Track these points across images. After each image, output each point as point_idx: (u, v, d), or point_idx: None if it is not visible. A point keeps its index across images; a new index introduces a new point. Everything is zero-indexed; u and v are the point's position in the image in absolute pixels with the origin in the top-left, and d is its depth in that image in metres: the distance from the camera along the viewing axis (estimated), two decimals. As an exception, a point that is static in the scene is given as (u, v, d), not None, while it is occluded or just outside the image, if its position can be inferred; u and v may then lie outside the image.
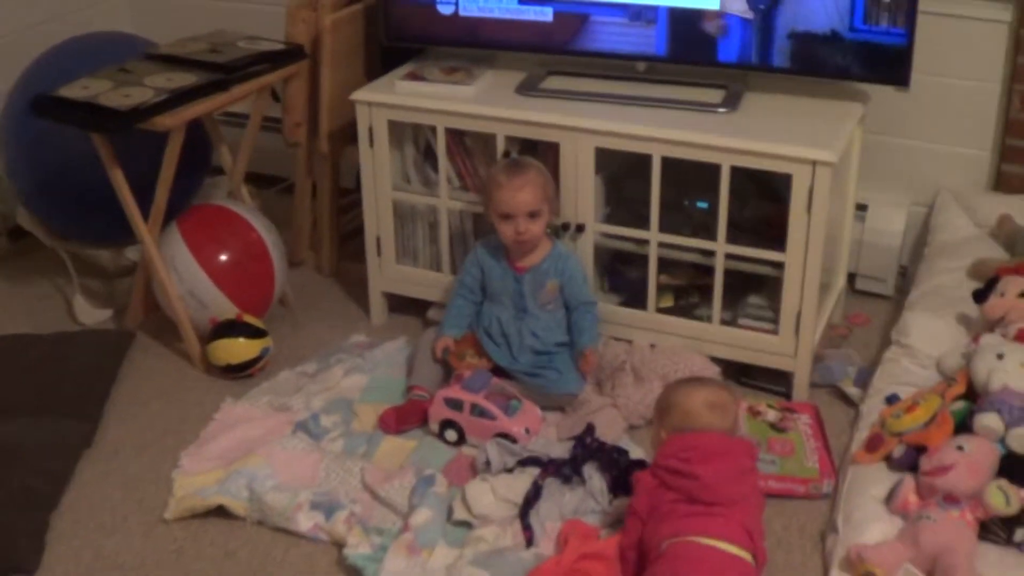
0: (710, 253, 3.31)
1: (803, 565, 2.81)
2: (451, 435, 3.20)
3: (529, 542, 2.80)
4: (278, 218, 3.89)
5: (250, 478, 2.97)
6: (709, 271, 3.38)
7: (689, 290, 3.49)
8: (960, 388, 2.97)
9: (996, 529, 2.71)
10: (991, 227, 3.61)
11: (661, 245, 3.35)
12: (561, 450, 3.09)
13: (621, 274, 3.56)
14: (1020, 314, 3.10)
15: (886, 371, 3.26)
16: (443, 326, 3.41)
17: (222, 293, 3.50)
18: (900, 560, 2.67)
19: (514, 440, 3.13)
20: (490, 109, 3.39)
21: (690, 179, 3.35)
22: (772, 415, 3.22)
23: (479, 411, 3.16)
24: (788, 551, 2.84)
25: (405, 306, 3.81)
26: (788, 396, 3.38)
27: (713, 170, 3.20)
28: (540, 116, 3.33)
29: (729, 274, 3.34)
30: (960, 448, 2.78)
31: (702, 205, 3.37)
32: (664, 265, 3.42)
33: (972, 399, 2.94)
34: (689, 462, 2.64)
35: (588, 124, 3.29)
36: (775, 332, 3.31)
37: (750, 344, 3.35)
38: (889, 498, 2.82)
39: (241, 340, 3.44)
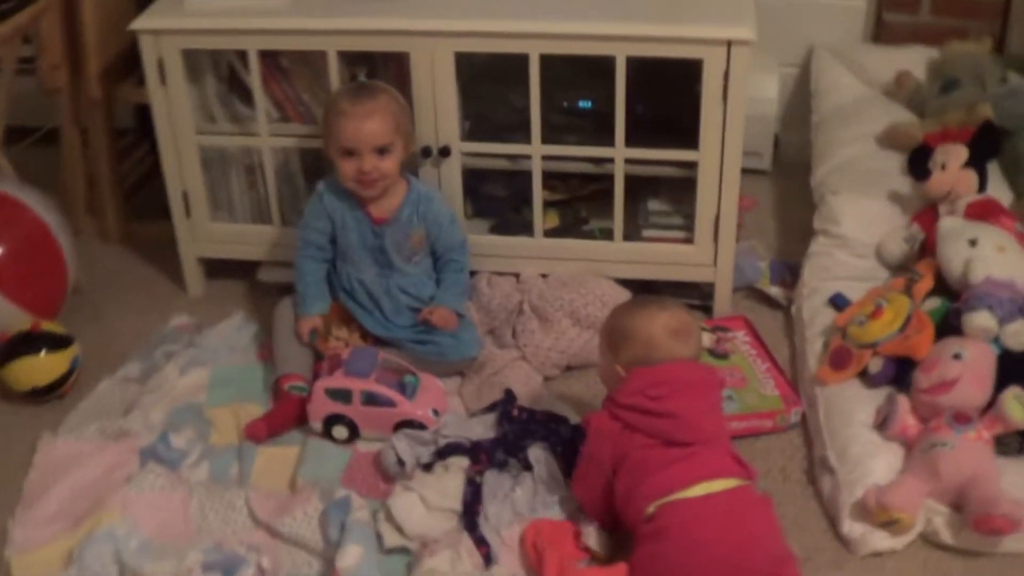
0: (602, 160, 2.81)
1: (800, 516, 2.40)
2: (340, 432, 2.59)
3: (487, 559, 2.27)
4: (42, 181, 3.07)
5: (111, 542, 2.27)
6: (597, 180, 2.88)
7: (574, 205, 2.98)
8: (928, 283, 2.61)
9: (1009, 440, 2.40)
10: (884, 85, 3.25)
11: (544, 158, 2.80)
12: (482, 428, 2.54)
13: (490, 196, 3.00)
14: (967, 186, 2.76)
15: (816, 266, 2.88)
16: (301, 302, 2.77)
17: (6, 299, 2.72)
18: (921, 498, 2.32)
19: (422, 426, 2.58)
20: (315, 21, 2.70)
21: (563, 75, 2.80)
22: (705, 338, 2.78)
23: (372, 398, 2.57)
24: (778, 502, 2.38)
25: (226, 269, 3.12)
26: (707, 310, 2.96)
27: (594, 64, 2.67)
28: (381, 22, 2.67)
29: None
30: (958, 356, 2.42)
31: (585, 105, 2.84)
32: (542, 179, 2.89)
33: (944, 294, 2.60)
34: (661, 399, 2.20)
35: (444, 25, 2.66)
36: (690, 241, 2.85)
37: (660, 258, 2.88)
38: (882, 424, 2.45)
39: (43, 355, 2.67)
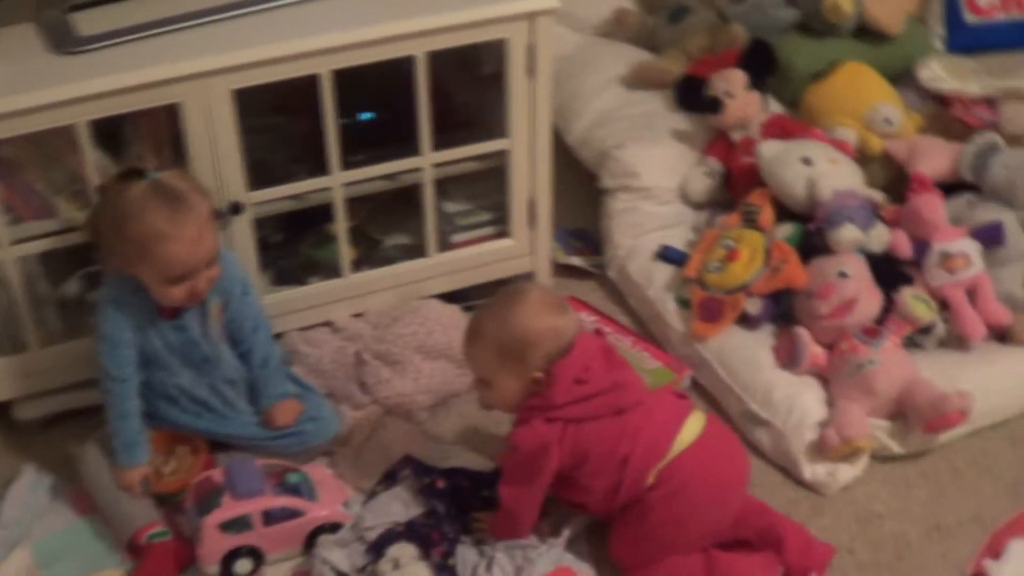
0: (399, 173, 2.50)
1: (752, 478, 2.26)
2: (244, 567, 2.13)
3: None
4: None
5: None
6: (371, 197, 2.58)
7: (362, 229, 2.64)
8: (770, 212, 2.58)
9: (916, 337, 2.46)
10: (597, 27, 3.15)
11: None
12: (400, 505, 2.22)
13: (276, 247, 2.58)
14: (755, 108, 2.76)
15: (625, 223, 2.78)
16: (125, 451, 2.22)
17: None
18: (867, 419, 2.33)
19: (336, 527, 2.19)
20: (53, 92, 2.13)
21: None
22: (558, 330, 2.60)
23: (274, 515, 2.15)
24: None
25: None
26: (527, 301, 2.75)
27: (364, 72, 2.35)
28: (139, 74, 2.16)
29: (403, 191, 2.56)
30: (844, 275, 2.44)
31: (366, 117, 2.50)
32: (328, 211, 2.53)
33: (784, 218, 2.60)
34: (594, 377, 2.06)
35: (218, 62, 2.21)
36: (504, 234, 2.64)
37: (474, 261, 2.64)
38: (790, 361, 2.42)
39: None
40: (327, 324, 2.57)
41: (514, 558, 2.13)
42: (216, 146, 2.28)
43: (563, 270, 2.82)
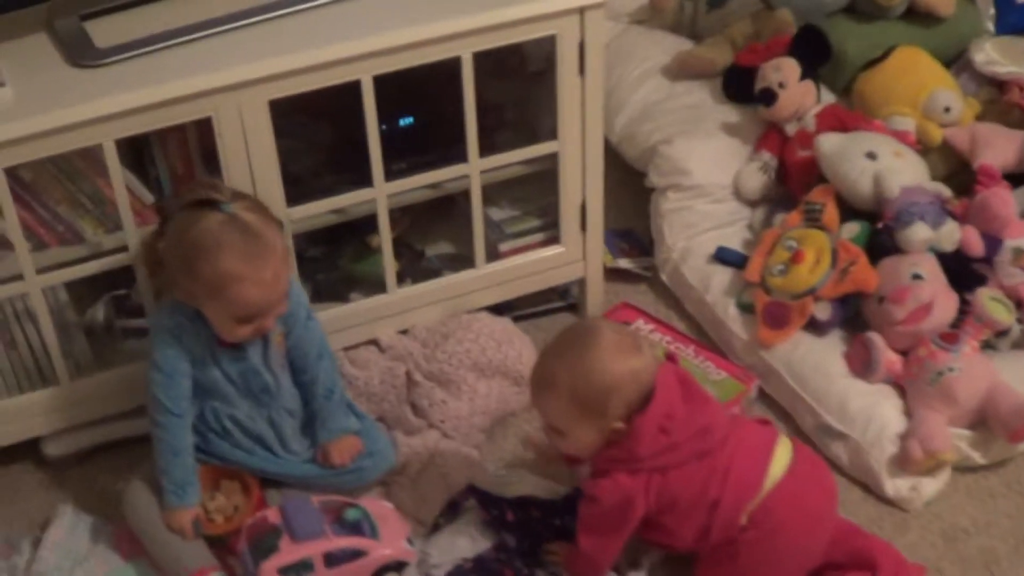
0: (444, 181, 2.36)
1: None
2: (307, 611, 2.04)
3: None
4: None
5: None
6: (426, 204, 2.43)
7: (404, 240, 2.49)
8: (834, 210, 2.45)
9: (993, 341, 2.35)
10: (633, 14, 3.00)
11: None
12: (467, 540, 2.10)
13: (313, 261, 2.43)
14: (811, 98, 2.63)
15: (677, 223, 2.64)
16: (176, 491, 2.08)
17: None
18: (948, 430, 2.22)
19: (401, 565, 2.07)
20: (70, 111, 1.97)
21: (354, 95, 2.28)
22: (614, 341, 2.47)
23: (337, 557, 2.02)
24: None
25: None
26: (577, 309, 2.62)
27: (403, 74, 2.20)
28: (168, 88, 2.00)
29: (444, 198, 2.43)
30: (918, 277, 2.32)
31: (406, 123, 2.35)
32: (368, 222, 2.39)
33: (852, 217, 2.47)
34: (679, 425, 1.90)
35: (254, 72, 2.05)
36: (554, 240, 2.49)
37: (524, 270, 2.49)
38: (865, 369, 2.30)
39: None
40: (372, 343, 2.44)
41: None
42: (252, 161, 2.13)
43: (611, 274, 2.68)
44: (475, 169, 2.33)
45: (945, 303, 2.31)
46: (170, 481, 2.09)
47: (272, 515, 2.07)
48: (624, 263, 2.70)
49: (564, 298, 2.63)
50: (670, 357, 2.01)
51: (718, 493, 1.91)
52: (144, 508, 2.11)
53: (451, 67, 2.23)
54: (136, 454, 2.32)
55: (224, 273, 1.95)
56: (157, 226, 2.08)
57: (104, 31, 2.16)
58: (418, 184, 2.33)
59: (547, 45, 2.30)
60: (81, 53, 2.10)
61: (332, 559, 2.02)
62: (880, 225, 2.40)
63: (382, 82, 2.18)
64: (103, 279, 2.26)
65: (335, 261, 2.46)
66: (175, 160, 2.21)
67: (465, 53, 2.19)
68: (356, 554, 2.03)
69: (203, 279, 1.97)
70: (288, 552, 2.00)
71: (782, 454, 1.96)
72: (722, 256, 2.57)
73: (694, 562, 2.02)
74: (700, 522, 1.94)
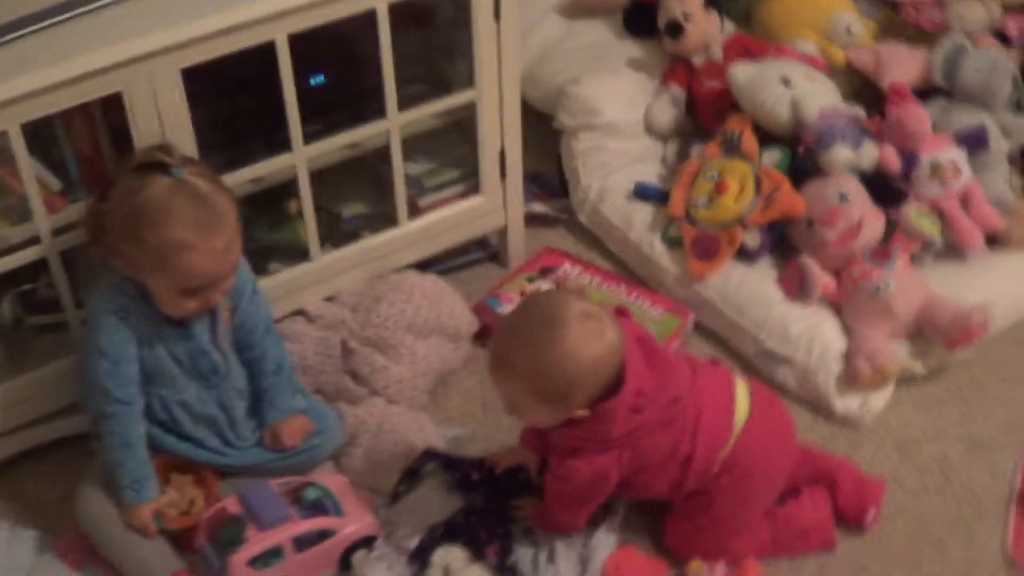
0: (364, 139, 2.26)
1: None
2: (278, 599, 1.95)
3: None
4: None
5: None
6: (338, 166, 2.33)
7: (320, 206, 2.36)
8: (752, 138, 2.45)
9: (920, 254, 2.37)
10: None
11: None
12: (432, 506, 2.04)
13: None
14: (715, 28, 2.61)
15: (592, 163, 2.61)
16: (133, 486, 1.95)
17: None
18: (891, 344, 2.25)
19: (370, 540, 1.99)
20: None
21: (269, 58, 2.13)
22: (545, 287, 2.41)
23: (306, 540, 1.94)
24: None
25: None
26: (496, 260, 2.57)
27: (313, 33, 2.08)
28: (73, 65, 1.84)
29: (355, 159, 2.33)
30: (845, 198, 2.33)
31: (318, 81, 2.23)
32: (282, 189, 2.27)
33: (768, 143, 2.46)
34: (650, 403, 1.83)
35: (163, 40, 1.91)
36: (474, 190, 2.43)
37: (446, 223, 2.42)
38: (800, 292, 2.32)
39: None
40: (298, 314, 2.34)
41: (574, 545, 1.98)
42: (166, 135, 1.98)
43: (526, 220, 2.60)
44: (395, 124, 2.24)
45: (873, 221, 2.34)
46: (125, 476, 1.96)
47: (231, 505, 1.97)
48: (538, 207, 2.65)
49: (484, 248, 2.58)
50: (620, 312, 1.95)
51: (689, 449, 1.89)
52: (99, 513, 1.98)
53: (360, 22, 2.13)
54: (62, 457, 2.20)
55: (172, 241, 1.82)
56: (99, 191, 1.92)
57: (-12, 7, 2.00)
58: (338, 145, 2.22)
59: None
60: (-30, 34, 1.94)
61: (301, 543, 1.94)
62: (801, 149, 2.41)
63: (292, 42, 2.08)
64: (4, 276, 2.11)
65: (251, 232, 2.32)
66: (82, 141, 2.05)
67: (381, 5, 2.10)
68: (324, 534, 1.96)
69: (149, 247, 1.84)
70: (256, 542, 1.91)
71: (742, 398, 1.94)
72: (641, 192, 2.55)
73: (668, 508, 2.01)
74: (673, 477, 1.92)
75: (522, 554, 1.97)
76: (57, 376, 2.13)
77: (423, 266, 2.46)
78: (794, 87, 2.43)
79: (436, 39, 2.39)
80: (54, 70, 1.86)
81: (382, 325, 2.28)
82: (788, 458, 2.01)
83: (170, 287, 1.88)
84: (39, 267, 2.09)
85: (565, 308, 1.81)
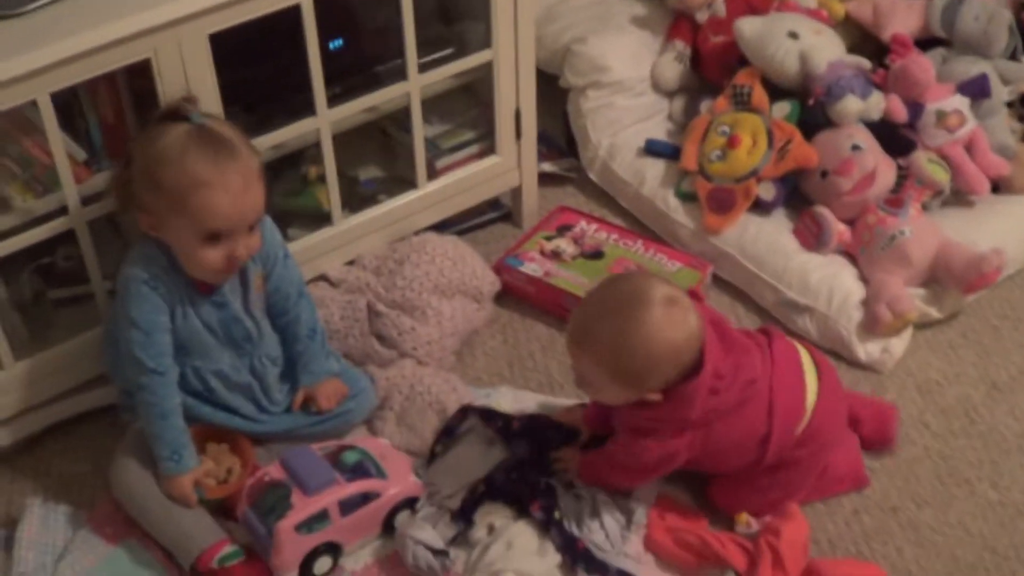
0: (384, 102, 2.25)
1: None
2: (324, 565, 1.93)
3: None
4: None
5: None
6: (354, 130, 2.32)
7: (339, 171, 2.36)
8: (762, 91, 2.47)
9: (930, 202, 2.43)
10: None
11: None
12: (472, 466, 2.04)
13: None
14: (719, -23, 2.62)
15: (601, 121, 2.63)
16: (173, 456, 1.93)
17: None
18: (907, 290, 2.29)
19: (413, 501, 2.00)
20: (11, 65, 1.77)
21: (285, 22, 2.11)
22: (564, 245, 2.43)
23: (351, 503, 1.93)
24: None
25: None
26: (508, 219, 2.58)
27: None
28: (103, 32, 1.82)
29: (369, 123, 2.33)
30: (857, 148, 2.36)
31: (336, 45, 2.21)
32: (295, 156, 2.27)
33: (777, 96, 2.48)
34: (728, 385, 1.84)
35: (190, 5, 1.88)
36: (490, 151, 2.43)
37: (463, 185, 2.43)
38: (818, 241, 2.35)
39: None
40: (319, 279, 2.33)
41: (616, 497, 2.00)
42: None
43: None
44: (415, 86, 2.24)
45: (885, 170, 2.37)
46: (164, 447, 1.94)
47: (274, 471, 1.96)
48: (547, 167, 2.66)
49: (496, 209, 2.59)
50: (693, 295, 1.93)
51: (766, 428, 1.90)
52: (137, 484, 1.96)
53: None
54: (87, 431, 2.19)
55: (189, 179, 1.81)
56: (124, 157, 1.90)
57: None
58: (359, 108, 2.22)
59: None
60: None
61: (346, 506, 1.93)
62: (811, 101, 2.44)
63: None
64: (25, 250, 2.07)
65: (270, 198, 2.30)
66: (106, 109, 2.02)
67: (404, -36, 2.10)
68: (368, 497, 1.96)
69: (167, 191, 1.82)
70: (303, 507, 1.89)
71: (810, 371, 1.96)
72: (652, 148, 2.57)
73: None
74: (751, 456, 1.93)
75: (565, 508, 1.98)
76: (80, 349, 2.11)
77: (439, 228, 2.47)
78: (802, 40, 2.45)
79: (449, 2, 2.38)
80: (84, 37, 1.84)
81: (407, 287, 2.28)
82: (844, 416, 2.05)
83: (191, 235, 1.85)
84: (56, 241, 2.06)
85: (651, 290, 1.82)
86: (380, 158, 2.46)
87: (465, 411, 2.13)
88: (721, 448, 1.91)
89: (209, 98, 1.99)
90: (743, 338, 1.92)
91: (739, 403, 1.86)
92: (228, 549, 1.92)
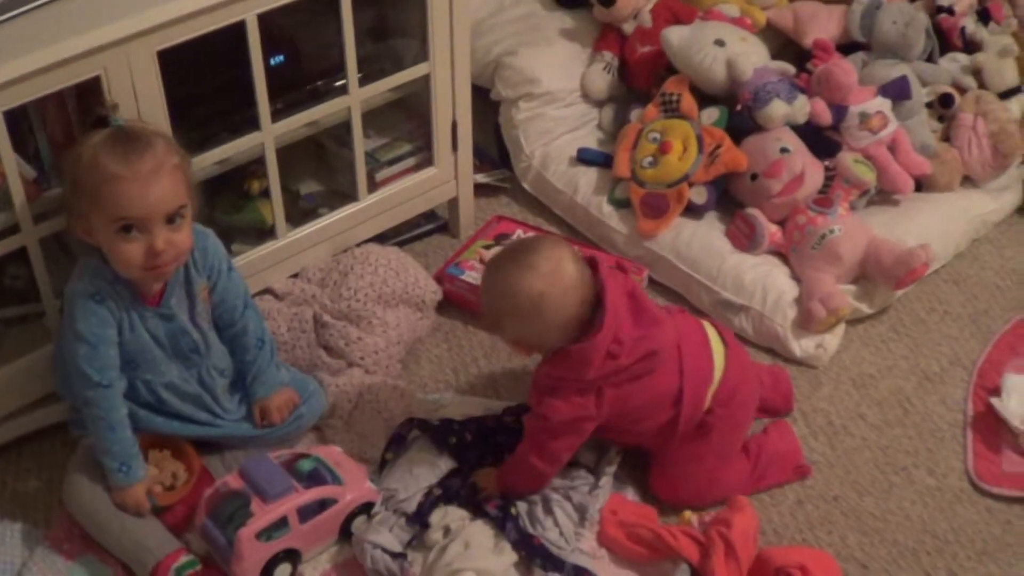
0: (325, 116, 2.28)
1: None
2: (284, 572, 1.94)
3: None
4: None
5: None
6: (293, 145, 2.33)
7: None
8: (689, 99, 2.54)
9: (856, 202, 2.51)
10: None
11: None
12: (425, 469, 2.06)
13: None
14: (642, -7, 2.69)
15: (532, 130, 2.69)
16: (122, 468, 1.94)
17: None
18: (840, 287, 2.37)
19: (368, 507, 2.02)
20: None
21: (223, 42, 2.13)
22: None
23: (309, 510, 1.95)
24: None
25: None
26: (449, 228, 2.62)
27: (272, 12, 2.08)
28: (55, 50, 1.82)
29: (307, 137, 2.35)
30: (785, 150, 2.44)
31: (277, 61, 2.22)
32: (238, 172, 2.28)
33: (705, 102, 2.56)
34: (626, 351, 1.91)
35: (139, 23, 1.89)
36: (429, 163, 2.47)
37: (401, 196, 2.46)
38: (750, 243, 2.42)
39: None
40: (266, 292, 2.35)
41: (571, 496, 2.04)
42: (143, 117, 1.97)
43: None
44: (355, 100, 2.28)
45: (813, 171, 2.46)
46: (113, 459, 1.95)
47: (232, 481, 1.97)
48: (481, 178, 2.70)
49: (431, 220, 2.63)
50: (619, 266, 2.03)
51: (677, 387, 1.97)
52: (90, 499, 1.97)
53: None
54: (39, 448, 2.18)
55: (101, 175, 1.84)
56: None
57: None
58: (302, 122, 2.24)
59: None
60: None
61: (304, 513, 1.95)
62: (739, 107, 2.52)
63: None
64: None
65: (211, 214, 2.33)
66: (55, 128, 2.02)
67: (343, -16, 2.13)
68: (325, 503, 1.98)
69: (84, 187, 1.86)
70: (263, 515, 1.91)
71: (713, 335, 2.05)
72: (584, 157, 2.63)
73: (653, 459, 2.09)
74: (665, 418, 2.00)
75: (520, 506, 2.02)
76: (29, 368, 2.10)
77: (379, 240, 2.49)
78: (728, 47, 2.53)
79: (382, 17, 2.41)
80: (36, 56, 1.85)
81: (352, 298, 2.31)
82: (757, 382, 2.14)
83: (108, 228, 1.87)
84: (3, 259, 2.06)
85: (539, 241, 1.97)
86: (318, 172, 2.48)
87: (410, 422, 2.14)
88: (635, 408, 1.98)
89: (157, 114, 2.01)
90: (658, 311, 2.00)
91: (641, 372, 1.94)
92: (185, 559, 1.94)
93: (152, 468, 2.04)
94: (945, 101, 2.65)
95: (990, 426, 2.22)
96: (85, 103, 1.99)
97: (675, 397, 1.98)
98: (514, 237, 2.52)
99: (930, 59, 2.72)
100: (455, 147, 2.47)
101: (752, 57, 2.52)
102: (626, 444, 2.10)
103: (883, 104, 2.54)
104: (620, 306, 1.92)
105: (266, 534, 1.93)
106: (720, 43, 2.53)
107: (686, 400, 1.98)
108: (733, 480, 2.08)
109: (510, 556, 1.95)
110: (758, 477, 2.12)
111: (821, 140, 2.50)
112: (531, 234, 2.49)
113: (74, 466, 2.01)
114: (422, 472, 2.08)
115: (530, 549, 1.95)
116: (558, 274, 1.89)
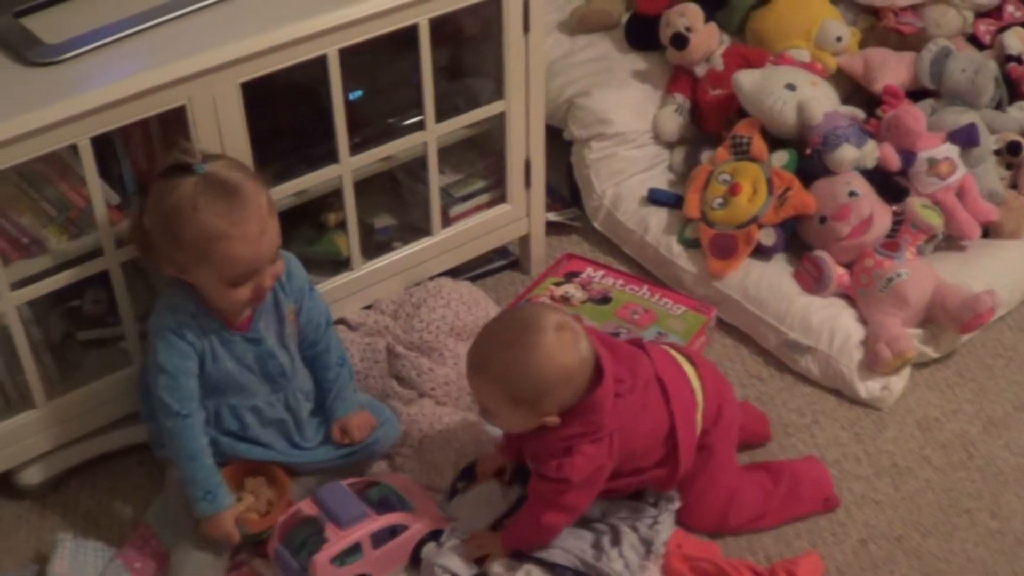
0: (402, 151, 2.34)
1: (803, 404, 2.35)
2: (354, 599, 2.00)
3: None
4: None
5: None
6: (368, 179, 2.39)
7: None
8: (761, 141, 2.57)
9: (924, 247, 2.53)
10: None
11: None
12: (487, 500, 2.10)
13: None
14: (715, 40, 2.74)
15: (605, 171, 2.72)
16: (201, 498, 1.97)
17: None
18: (908, 330, 2.38)
19: (437, 534, 2.05)
20: (37, 114, 1.83)
21: (306, 75, 2.20)
22: (573, 290, 2.51)
23: (382, 536, 1.99)
24: (764, 405, 2.35)
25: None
26: (520, 265, 2.66)
27: (352, 48, 2.14)
28: (140, 79, 1.90)
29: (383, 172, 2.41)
30: (854, 194, 2.46)
31: (355, 96, 2.30)
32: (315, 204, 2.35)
33: (776, 145, 2.59)
34: (628, 388, 1.94)
35: (224, 54, 1.97)
36: (500, 200, 2.52)
37: (474, 232, 2.51)
38: (817, 285, 2.44)
39: None
40: (340, 323, 2.39)
41: (638, 528, 2.06)
42: (225, 147, 2.05)
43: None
44: (432, 136, 2.33)
45: (881, 215, 2.47)
46: (197, 488, 1.99)
47: (306, 507, 2.02)
48: (552, 216, 2.74)
49: (504, 256, 2.67)
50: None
51: (668, 420, 1.98)
52: (179, 540, 2.02)
53: (394, 37, 2.22)
54: (111, 470, 2.24)
55: (206, 234, 1.86)
56: (138, 203, 1.98)
57: (46, 27, 2.02)
58: (378, 156, 2.30)
59: (485, 9, 2.31)
60: (32, 51, 1.96)
61: (377, 539, 1.99)
62: (808, 150, 2.54)
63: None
64: (51, 292, 2.14)
65: (288, 246, 2.39)
66: (138, 155, 2.09)
67: (422, 20, 2.18)
68: (399, 529, 2.02)
69: (187, 245, 1.88)
70: (338, 540, 1.96)
71: (685, 364, 2.06)
72: (655, 197, 2.66)
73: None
74: (663, 452, 2.01)
75: (579, 535, 2.05)
76: (108, 390, 2.17)
77: (451, 275, 2.54)
78: (799, 92, 2.56)
79: (460, 55, 2.48)
80: (123, 84, 1.92)
81: (424, 330, 2.36)
82: (728, 384, 2.17)
83: (217, 280, 1.92)
84: (85, 284, 2.13)
85: (542, 317, 1.93)
86: (392, 206, 2.53)
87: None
88: (635, 449, 1.98)
89: (240, 144, 2.07)
90: (628, 347, 2.03)
91: (643, 404, 1.96)
92: (264, 591, 1.99)
93: (249, 496, 2.08)
94: (1013, 149, 2.66)
95: (1054, 472, 2.22)
96: (169, 131, 2.05)
97: (668, 430, 2.00)
98: (584, 275, 2.56)
99: (999, 107, 2.73)
100: (528, 185, 2.51)
101: (822, 101, 2.55)
102: (637, 487, 2.09)
103: (951, 151, 2.56)
104: (602, 349, 1.94)
105: (340, 559, 1.97)
106: (791, 87, 2.56)
107: (680, 429, 1.99)
108: (753, 494, 2.12)
109: (571, 587, 1.99)
110: (783, 497, 2.13)
111: (889, 185, 2.52)
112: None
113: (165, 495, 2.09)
114: (490, 502, 2.12)
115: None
116: (561, 336, 1.88)
